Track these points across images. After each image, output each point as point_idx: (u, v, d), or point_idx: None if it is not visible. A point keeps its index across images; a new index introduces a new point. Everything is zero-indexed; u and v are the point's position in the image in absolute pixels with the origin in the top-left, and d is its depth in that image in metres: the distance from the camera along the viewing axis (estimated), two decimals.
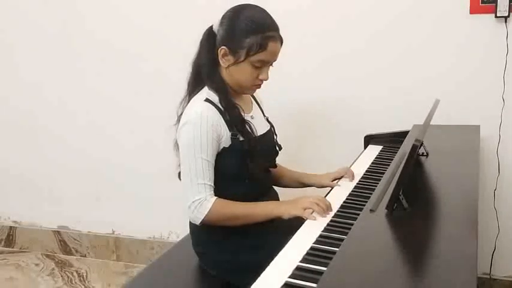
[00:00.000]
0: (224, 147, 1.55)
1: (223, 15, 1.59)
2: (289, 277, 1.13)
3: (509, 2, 2.02)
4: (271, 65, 1.59)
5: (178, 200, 1.71)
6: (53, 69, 2.78)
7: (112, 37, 2.63)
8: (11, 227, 3.10)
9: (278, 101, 2.28)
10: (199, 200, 1.51)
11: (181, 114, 1.60)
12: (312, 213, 1.45)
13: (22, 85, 2.87)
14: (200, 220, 1.52)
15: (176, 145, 1.62)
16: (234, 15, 1.56)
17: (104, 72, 2.69)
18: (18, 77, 2.87)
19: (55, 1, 2.69)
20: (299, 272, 1.15)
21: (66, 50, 2.73)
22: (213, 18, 1.61)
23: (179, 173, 1.61)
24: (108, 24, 2.63)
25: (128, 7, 2.58)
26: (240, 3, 1.60)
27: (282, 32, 1.58)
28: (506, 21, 2.06)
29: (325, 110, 2.37)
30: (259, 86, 1.62)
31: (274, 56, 1.57)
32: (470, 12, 2.10)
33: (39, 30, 2.76)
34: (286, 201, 1.56)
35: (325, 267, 1.12)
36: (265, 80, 1.59)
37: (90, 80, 2.73)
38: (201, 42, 1.62)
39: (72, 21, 2.69)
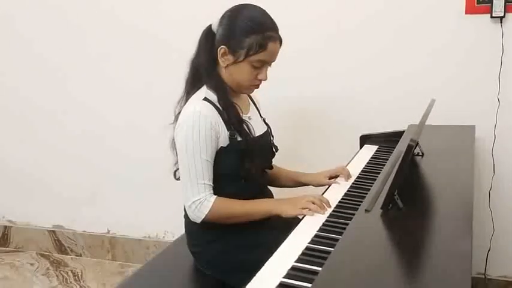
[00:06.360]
0: (222, 146, 1.55)
1: (223, 15, 1.58)
2: (284, 277, 1.13)
3: (505, 3, 2.03)
4: (269, 65, 1.59)
5: (173, 200, 1.71)
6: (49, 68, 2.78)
7: (106, 36, 2.63)
8: (5, 226, 3.09)
9: (274, 101, 2.27)
10: (200, 200, 1.51)
11: (179, 113, 1.59)
12: (311, 214, 1.45)
13: (16, 90, 2.86)
14: (201, 219, 1.53)
15: (173, 144, 1.61)
16: (233, 15, 1.56)
17: (103, 74, 2.68)
18: (15, 82, 2.87)
19: (48, 6, 2.68)
20: (294, 272, 1.14)
21: (58, 54, 2.73)
22: (211, 18, 1.61)
23: (175, 172, 1.61)
24: (102, 25, 2.62)
25: (122, 9, 2.58)
26: (239, 3, 1.60)
27: (281, 33, 1.58)
28: (501, 22, 2.06)
29: (321, 111, 2.37)
30: (257, 86, 1.62)
31: (273, 56, 1.57)
32: (466, 13, 2.10)
33: (29, 32, 2.75)
34: (285, 200, 1.56)
35: (320, 267, 1.12)
36: (264, 80, 1.59)
37: (89, 80, 2.72)
38: (200, 41, 1.62)
39: (63, 24, 2.68)
